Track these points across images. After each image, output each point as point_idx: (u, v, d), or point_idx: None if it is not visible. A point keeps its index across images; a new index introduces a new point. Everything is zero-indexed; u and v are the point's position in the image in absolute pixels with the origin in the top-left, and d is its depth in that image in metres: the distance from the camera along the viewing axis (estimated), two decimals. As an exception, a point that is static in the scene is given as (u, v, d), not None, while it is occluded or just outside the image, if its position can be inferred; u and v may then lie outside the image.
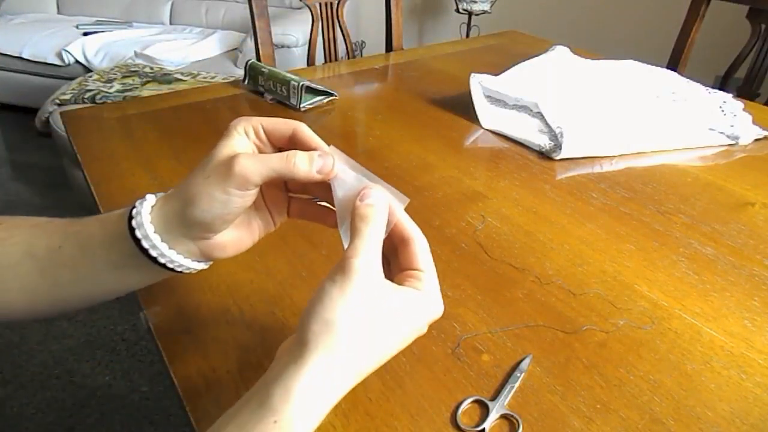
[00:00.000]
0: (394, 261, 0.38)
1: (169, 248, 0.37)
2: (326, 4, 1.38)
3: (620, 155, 0.81)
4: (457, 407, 0.42)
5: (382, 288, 0.34)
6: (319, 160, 0.37)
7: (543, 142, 0.82)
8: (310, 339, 0.31)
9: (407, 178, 0.74)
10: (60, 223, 0.40)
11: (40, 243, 0.39)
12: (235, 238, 0.40)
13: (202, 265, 0.40)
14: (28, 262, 0.39)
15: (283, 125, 0.38)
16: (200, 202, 0.36)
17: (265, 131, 0.38)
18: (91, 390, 1.44)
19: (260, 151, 0.39)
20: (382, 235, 0.35)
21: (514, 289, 0.54)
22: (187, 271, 0.40)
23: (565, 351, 0.47)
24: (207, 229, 0.37)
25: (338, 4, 1.40)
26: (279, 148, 0.39)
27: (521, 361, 0.46)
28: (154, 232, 0.36)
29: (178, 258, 0.38)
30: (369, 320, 0.32)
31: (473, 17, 2.90)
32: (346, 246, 0.36)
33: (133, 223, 0.36)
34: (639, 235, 0.63)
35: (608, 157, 0.81)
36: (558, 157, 0.79)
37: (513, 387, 0.43)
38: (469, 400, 0.42)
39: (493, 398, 0.42)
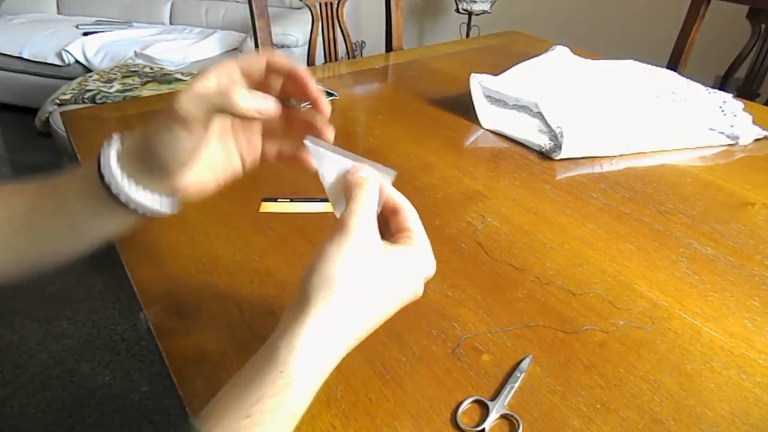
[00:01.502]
0: (387, 232, 0.39)
1: (137, 188, 0.38)
2: (326, 4, 1.38)
3: (620, 155, 0.81)
4: (457, 407, 0.42)
5: (378, 245, 0.35)
6: (262, 101, 0.37)
7: (543, 142, 0.82)
8: (310, 293, 0.33)
9: (407, 178, 0.74)
10: (34, 186, 0.41)
11: (16, 206, 0.40)
12: (198, 179, 0.41)
13: (168, 210, 0.41)
14: (6, 225, 0.40)
15: (256, 62, 0.38)
16: (152, 143, 0.36)
17: (243, 73, 0.38)
18: (91, 390, 1.44)
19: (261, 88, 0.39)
20: (375, 200, 0.37)
21: (514, 289, 0.54)
22: (155, 215, 0.40)
23: (565, 351, 0.47)
24: (166, 170, 0.38)
25: (338, 4, 1.40)
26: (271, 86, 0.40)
27: (521, 361, 0.46)
28: (121, 172, 0.37)
29: (145, 200, 0.38)
30: (366, 273, 0.34)
31: (473, 17, 2.90)
32: None
33: (101, 163, 0.37)
34: (639, 235, 0.63)
35: (608, 157, 0.81)
36: (558, 157, 0.79)
37: (513, 387, 0.43)
38: (469, 400, 0.42)
39: (493, 398, 0.42)
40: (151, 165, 0.38)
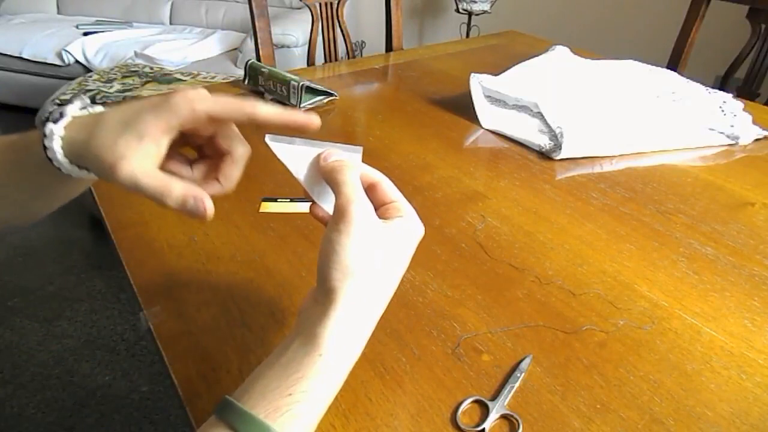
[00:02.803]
0: (373, 202, 0.40)
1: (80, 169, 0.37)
2: (326, 4, 1.38)
3: (620, 155, 0.81)
4: (457, 407, 0.42)
5: (379, 226, 0.37)
6: (193, 204, 0.36)
7: (543, 142, 0.82)
8: (335, 285, 0.35)
9: (407, 178, 0.74)
10: None
11: None
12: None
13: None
14: None
15: (232, 113, 0.37)
16: (93, 154, 0.35)
17: (210, 116, 0.37)
18: (91, 390, 1.44)
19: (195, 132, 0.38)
20: (358, 178, 0.38)
21: (514, 289, 0.54)
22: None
23: (565, 351, 0.47)
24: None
25: (338, 4, 1.40)
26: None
27: (521, 361, 0.46)
28: (70, 163, 0.36)
29: (82, 173, 0.38)
30: (377, 256, 0.36)
31: (473, 17, 2.90)
32: (328, 210, 0.39)
33: (48, 154, 0.36)
34: (639, 235, 0.63)
35: (608, 157, 0.81)
36: (558, 157, 0.79)
37: (513, 387, 0.43)
38: (469, 400, 0.42)
39: (493, 398, 0.42)
40: (87, 156, 0.36)
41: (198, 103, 0.37)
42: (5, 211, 0.43)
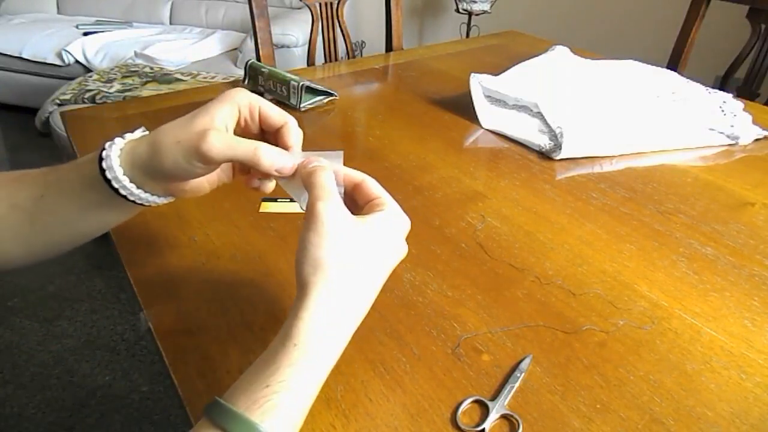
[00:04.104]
0: (356, 207, 0.42)
1: (137, 188, 0.41)
2: (326, 4, 1.38)
3: (620, 155, 0.81)
4: (457, 407, 0.42)
5: (350, 220, 0.38)
6: (281, 160, 0.40)
7: (543, 142, 0.82)
8: (307, 280, 0.36)
9: (407, 178, 0.74)
10: (38, 173, 0.44)
11: (22, 195, 0.42)
12: (195, 185, 0.44)
13: (168, 200, 0.45)
14: (15, 213, 0.42)
15: (277, 116, 0.42)
16: (166, 160, 0.39)
17: (260, 115, 0.42)
18: (91, 390, 1.44)
19: (246, 127, 0.43)
20: (334, 181, 0.39)
21: (514, 289, 0.54)
22: (155, 205, 0.44)
23: (565, 351, 0.47)
24: (170, 180, 0.42)
25: (338, 4, 1.40)
26: (263, 130, 0.43)
27: (521, 361, 0.46)
28: (124, 174, 0.40)
29: (146, 196, 0.42)
30: (351, 249, 0.37)
31: (473, 17, 2.90)
32: None
33: (104, 164, 0.40)
34: (639, 235, 0.63)
35: (608, 157, 0.81)
36: (558, 157, 0.79)
37: (513, 387, 0.43)
38: (469, 400, 0.42)
39: (493, 398, 0.42)
40: (155, 175, 0.41)
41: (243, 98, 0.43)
42: (55, 233, 0.45)
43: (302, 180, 0.40)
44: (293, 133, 0.42)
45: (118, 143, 0.41)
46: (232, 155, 0.39)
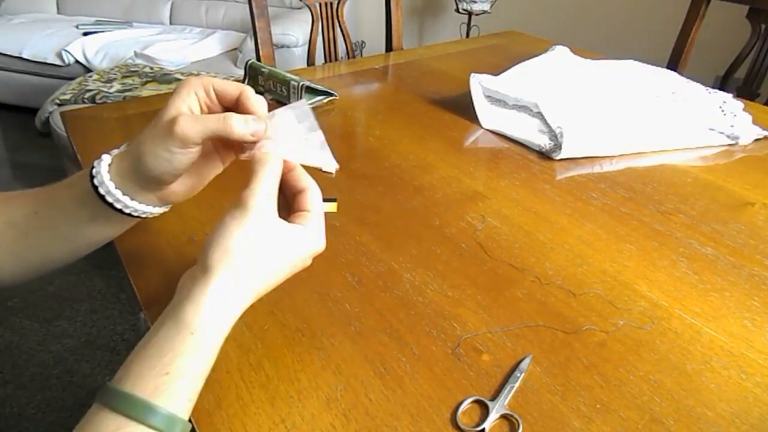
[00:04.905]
0: (289, 207, 0.43)
1: (131, 199, 0.42)
2: (326, 4, 1.38)
3: (620, 155, 0.81)
4: (457, 407, 0.42)
5: (272, 223, 0.39)
6: (254, 124, 0.41)
7: (543, 142, 0.82)
8: (212, 264, 0.37)
9: (407, 178, 0.74)
10: (31, 192, 0.45)
11: (17, 212, 0.44)
12: (186, 185, 0.45)
13: (163, 209, 0.46)
14: (10, 230, 0.43)
15: (231, 88, 0.43)
16: (148, 159, 0.40)
17: (215, 91, 0.42)
18: (91, 390, 1.44)
19: (209, 110, 0.43)
20: (276, 179, 0.40)
21: (514, 289, 0.54)
22: (151, 216, 0.46)
23: (565, 351, 0.47)
24: (159, 182, 0.42)
25: (338, 4, 1.40)
26: (226, 108, 0.43)
27: (521, 361, 0.46)
28: (116, 187, 0.41)
29: (141, 207, 0.43)
30: (260, 248, 0.38)
31: (473, 17, 2.90)
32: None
33: (95, 181, 0.41)
34: (639, 235, 0.63)
35: (608, 157, 0.81)
36: (558, 157, 0.79)
37: (513, 387, 0.43)
38: (469, 400, 0.42)
39: (493, 398, 0.42)
40: (145, 182, 0.42)
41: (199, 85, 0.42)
42: (50, 248, 0.46)
43: (252, 157, 0.41)
44: (253, 100, 0.43)
45: (106, 159, 0.42)
46: (204, 129, 0.39)
